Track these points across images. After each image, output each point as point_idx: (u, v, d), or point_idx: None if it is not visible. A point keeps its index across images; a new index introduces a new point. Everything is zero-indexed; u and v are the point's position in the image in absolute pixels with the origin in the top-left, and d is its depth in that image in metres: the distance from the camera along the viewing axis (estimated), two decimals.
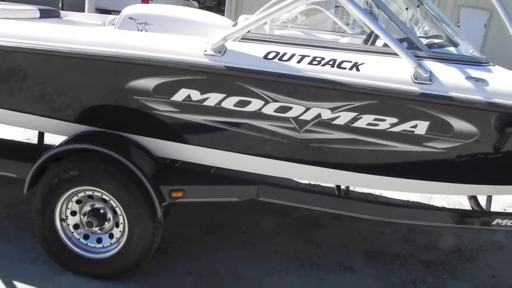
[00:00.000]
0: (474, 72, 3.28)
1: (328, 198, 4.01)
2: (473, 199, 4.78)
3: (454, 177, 3.60)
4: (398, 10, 4.72)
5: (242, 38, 3.35)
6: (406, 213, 4.02)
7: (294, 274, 4.17)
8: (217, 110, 3.33)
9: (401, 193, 5.91)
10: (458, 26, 17.95)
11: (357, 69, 3.18)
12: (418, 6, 4.29)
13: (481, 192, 4.05)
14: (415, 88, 3.15)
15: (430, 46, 3.55)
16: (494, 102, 3.17)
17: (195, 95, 3.31)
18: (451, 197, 6.05)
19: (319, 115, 3.26)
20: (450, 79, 3.21)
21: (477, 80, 3.22)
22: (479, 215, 4.13)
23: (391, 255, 4.63)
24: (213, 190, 3.72)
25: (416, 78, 3.16)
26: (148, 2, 18.45)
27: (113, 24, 5.19)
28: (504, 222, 3.89)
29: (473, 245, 5.07)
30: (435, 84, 3.17)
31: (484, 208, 4.49)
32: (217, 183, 3.78)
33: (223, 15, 18.47)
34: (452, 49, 3.67)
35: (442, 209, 4.85)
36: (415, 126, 3.24)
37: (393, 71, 3.20)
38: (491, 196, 4.63)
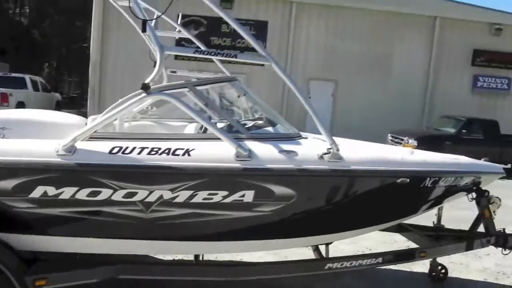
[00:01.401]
0: (286, 146, 4.10)
1: (184, 267, 4.57)
2: (316, 249, 5.56)
3: (285, 233, 4.34)
4: (236, 98, 5.53)
5: (90, 138, 3.88)
6: (257, 270, 4.65)
7: None
8: (72, 202, 3.78)
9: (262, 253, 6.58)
10: (310, 97, 19.74)
11: (189, 154, 3.85)
12: (244, 95, 5.12)
13: (313, 242, 4.81)
14: (238, 165, 3.88)
15: (249, 128, 4.35)
16: (303, 168, 3.99)
17: (51, 190, 3.73)
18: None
19: (161, 196, 3.84)
20: (266, 154, 3.99)
21: (288, 152, 4.02)
22: (314, 262, 4.87)
23: None
24: (74, 274, 4.06)
25: (237, 156, 3.90)
26: (7, 99, 18.27)
27: None
28: (335, 265, 4.67)
29: None
30: (254, 159, 3.93)
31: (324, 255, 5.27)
32: (78, 267, 4.15)
33: (87, 104, 18.82)
34: (270, 128, 4.49)
35: (286, 262, 5.51)
36: (243, 196, 3.94)
37: (218, 153, 3.92)
38: (327, 244, 5.44)
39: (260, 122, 4.68)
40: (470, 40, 20.74)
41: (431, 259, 6.24)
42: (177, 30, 6.47)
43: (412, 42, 20.43)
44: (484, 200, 5.78)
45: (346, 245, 7.34)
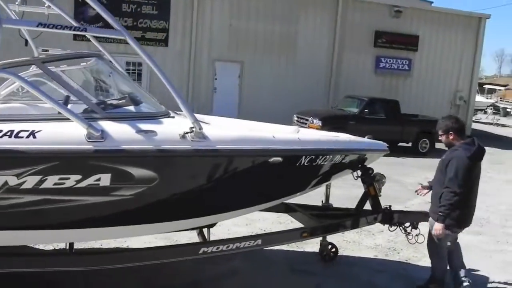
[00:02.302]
0: (145, 125, 3.77)
1: (56, 258, 4.24)
2: (201, 233, 5.31)
3: (153, 217, 4.04)
4: (105, 77, 5.12)
5: None
6: (129, 256, 4.38)
7: None
8: None
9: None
10: (216, 79, 19.47)
11: (34, 136, 3.44)
12: (111, 73, 4.73)
13: (187, 226, 4.55)
14: (90, 147, 3.52)
15: (106, 107, 3.99)
16: (162, 148, 3.69)
17: None
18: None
19: (6, 183, 3.42)
20: (122, 134, 3.65)
21: (146, 132, 3.70)
22: (187, 247, 4.63)
23: None
24: None
25: (89, 138, 3.53)
26: None
27: None
28: (210, 249, 4.45)
29: (210, 275, 5.58)
30: (108, 140, 3.58)
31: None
32: None
33: None
34: (131, 107, 4.15)
35: (157, 248, 5.25)
36: (99, 179, 3.59)
37: (68, 134, 3.53)
38: (209, 227, 5.22)
39: (122, 101, 4.32)
40: (371, 21, 21.14)
41: (321, 239, 6.20)
42: (46, 5, 5.95)
43: (316, 22, 20.55)
44: (368, 177, 5.77)
45: (240, 227, 7.22)
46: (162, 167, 3.77)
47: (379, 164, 6.04)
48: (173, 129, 3.85)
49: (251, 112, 16.54)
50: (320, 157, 4.72)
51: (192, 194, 4.07)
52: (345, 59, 20.93)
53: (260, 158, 4.23)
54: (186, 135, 3.81)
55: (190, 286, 5.32)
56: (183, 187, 4.00)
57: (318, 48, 20.53)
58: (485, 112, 36.30)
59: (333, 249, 6.33)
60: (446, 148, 5.30)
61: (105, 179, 3.60)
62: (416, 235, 5.93)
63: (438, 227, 4.96)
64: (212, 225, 5.23)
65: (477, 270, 6.43)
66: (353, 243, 7.14)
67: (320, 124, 15.00)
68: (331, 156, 4.88)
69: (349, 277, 5.88)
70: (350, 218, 5.75)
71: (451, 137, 5.16)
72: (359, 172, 5.79)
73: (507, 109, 41.24)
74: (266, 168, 4.29)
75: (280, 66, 20.17)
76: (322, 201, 6.28)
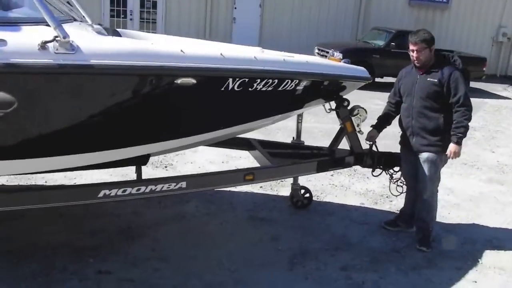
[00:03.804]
0: None
1: None
2: (138, 170, 4.47)
3: (22, 152, 3.17)
4: None
5: None
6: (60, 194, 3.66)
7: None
8: None
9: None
10: (235, 8, 18.19)
11: None
12: None
13: (89, 161, 3.65)
14: None
15: None
16: (10, 62, 2.72)
17: None
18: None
19: None
20: None
21: None
22: (83, 188, 3.79)
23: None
24: None
25: None
26: None
27: None
28: (113, 192, 3.60)
29: (150, 219, 4.79)
30: None
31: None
32: None
33: None
34: None
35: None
36: None
37: None
38: (139, 164, 4.35)
39: None
40: None
41: (292, 181, 5.27)
42: None
43: None
44: (344, 110, 4.74)
45: (214, 165, 6.45)
46: (18, 86, 2.83)
47: None
48: (33, 38, 2.83)
49: (273, 43, 15.28)
50: (258, 80, 3.68)
51: (78, 121, 3.14)
52: None
53: (162, 78, 3.22)
54: (47, 45, 2.81)
55: (122, 233, 4.51)
56: (59, 112, 3.06)
57: None
58: None
59: (307, 194, 5.40)
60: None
61: None
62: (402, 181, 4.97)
63: (458, 149, 4.46)
64: (144, 162, 4.30)
65: (484, 227, 5.39)
66: (341, 187, 6.17)
67: (341, 57, 13.71)
68: (276, 81, 3.83)
69: (317, 229, 4.93)
70: (317, 159, 4.76)
71: (432, 52, 4.45)
72: (334, 104, 4.78)
73: None
74: (178, 91, 3.31)
75: None
76: (293, 138, 5.31)
